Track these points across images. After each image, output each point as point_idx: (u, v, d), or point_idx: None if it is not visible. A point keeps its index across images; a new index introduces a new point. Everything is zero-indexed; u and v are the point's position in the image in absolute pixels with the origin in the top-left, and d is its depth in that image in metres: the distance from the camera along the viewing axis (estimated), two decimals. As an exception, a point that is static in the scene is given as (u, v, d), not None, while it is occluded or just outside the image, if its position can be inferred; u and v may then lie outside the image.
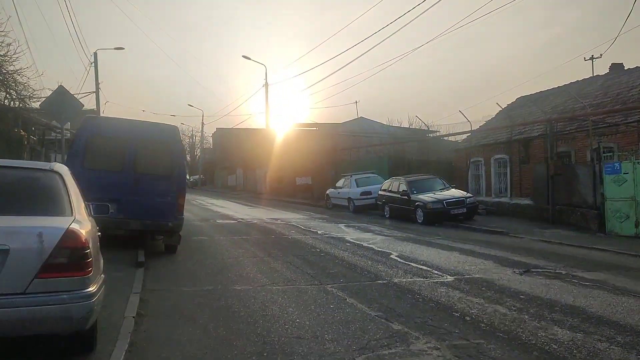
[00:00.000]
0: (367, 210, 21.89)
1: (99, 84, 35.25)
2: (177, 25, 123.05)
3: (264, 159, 43.05)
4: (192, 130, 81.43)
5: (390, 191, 19.57)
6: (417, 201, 17.41)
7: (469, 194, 18.12)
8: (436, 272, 8.45)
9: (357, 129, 45.05)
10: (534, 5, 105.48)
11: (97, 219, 5.15)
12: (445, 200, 16.92)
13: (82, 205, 4.36)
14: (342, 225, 16.22)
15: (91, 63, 34.75)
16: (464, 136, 27.61)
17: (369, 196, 21.81)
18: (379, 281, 7.73)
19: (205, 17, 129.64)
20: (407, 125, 31.91)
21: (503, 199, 19.53)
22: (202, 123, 65.56)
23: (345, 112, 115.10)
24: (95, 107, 35.64)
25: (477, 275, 8.16)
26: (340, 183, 24.31)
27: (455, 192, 18.10)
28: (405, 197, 18.09)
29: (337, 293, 6.86)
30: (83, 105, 15.18)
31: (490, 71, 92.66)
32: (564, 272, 8.50)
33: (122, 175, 9.18)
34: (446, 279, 7.90)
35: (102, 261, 4.46)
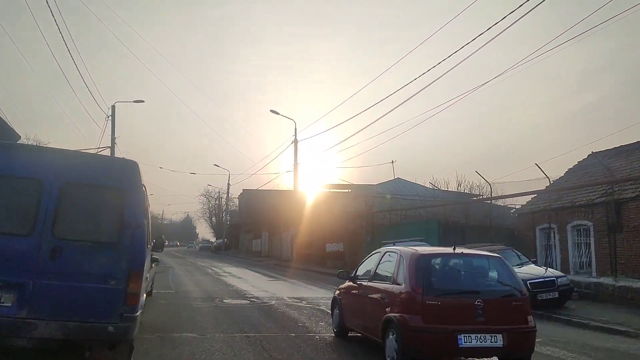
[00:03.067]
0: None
1: (115, 138, 32.67)
2: (202, 79, 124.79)
3: (291, 222, 39.21)
4: (219, 192, 78.76)
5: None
6: (489, 280, 13.00)
7: (559, 272, 13.66)
8: None
9: (394, 191, 41.11)
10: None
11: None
12: (529, 280, 12.50)
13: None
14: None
15: (108, 116, 32.35)
16: (523, 199, 23.37)
17: (417, 270, 17.44)
18: None
19: (231, 70, 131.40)
20: (454, 188, 27.59)
21: (601, 279, 14.85)
22: (228, 184, 62.29)
23: (381, 173, 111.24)
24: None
25: None
26: (380, 252, 20.03)
27: (536, 269, 13.70)
28: (471, 274, 13.70)
29: None
30: (19, 137, 11.85)
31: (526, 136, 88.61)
32: None
33: (30, 242, 5.40)
34: None
35: None
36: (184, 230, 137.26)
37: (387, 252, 8.06)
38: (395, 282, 7.04)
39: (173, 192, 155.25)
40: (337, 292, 9.66)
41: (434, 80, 24.21)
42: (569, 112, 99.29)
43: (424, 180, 47.60)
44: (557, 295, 12.44)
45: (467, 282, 7.20)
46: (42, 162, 5.64)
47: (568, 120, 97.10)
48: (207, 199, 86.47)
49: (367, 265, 8.63)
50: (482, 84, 44.60)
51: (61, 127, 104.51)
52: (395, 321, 6.52)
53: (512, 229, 23.11)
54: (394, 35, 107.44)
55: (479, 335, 6.25)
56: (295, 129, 36.61)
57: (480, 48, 17.61)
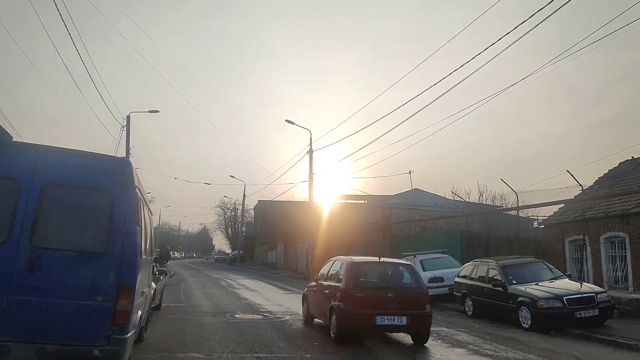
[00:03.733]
0: (438, 302, 16.48)
1: (129, 148, 32.31)
2: (218, 92, 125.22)
3: (306, 233, 38.35)
4: (235, 203, 78.27)
5: (474, 278, 14.27)
6: (521, 295, 12.03)
7: (598, 288, 12.58)
8: None
9: (411, 202, 40.09)
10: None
11: None
12: (565, 296, 11.50)
13: None
14: (413, 332, 10.93)
15: (123, 127, 32.01)
16: (547, 211, 22.20)
17: (440, 283, 16.51)
18: None
19: (247, 84, 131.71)
20: (475, 198, 26.48)
21: (630, 294, 13.73)
22: (244, 195, 61.66)
23: (398, 183, 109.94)
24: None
25: None
26: (400, 265, 19.08)
27: (572, 284, 12.65)
28: (500, 289, 12.76)
29: None
30: (12, 138, 11.22)
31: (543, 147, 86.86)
32: None
33: (4, 252, 4.69)
34: None
35: None
36: (201, 241, 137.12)
37: (336, 260, 11.01)
38: (338, 281, 9.94)
39: (189, 204, 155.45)
40: (306, 290, 12.46)
41: (450, 89, 23.41)
42: (588, 123, 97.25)
43: (443, 191, 46.43)
44: (597, 313, 11.37)
45: (383, 281, 10.04)
46: (20, 160, 4.94)
47: (590, 129, 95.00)
48: (223, 210, 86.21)
49: (324, 269, 11.64)
50: (495, 94, 43.50)
51: (76, 137, 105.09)
52: (336, 307, 9.44)
53: (538, 241, 21.98)
54: (411, 48, 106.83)
55: (389, 317, 9.06)
56: (311, 138, 35.94)
57: (496, 56, 16.80)
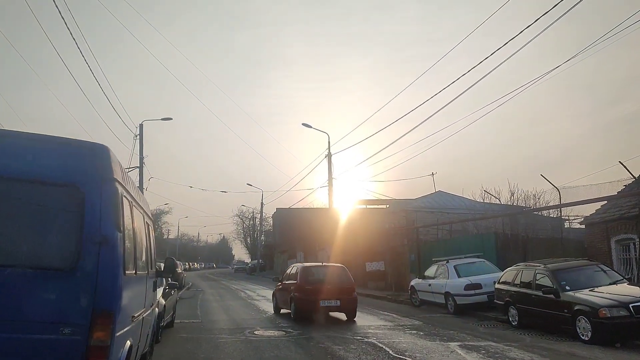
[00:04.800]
0: (476, 311, 15.05)
1: (143, 158, 31.45)
2: (233, 99, 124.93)
3: (326, 240, 37.08)
4: (253, 212, 77.22)
5: (518, 285, 12.80)
6: (578, 303, 10.56)
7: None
8: None
9: (435, 205, 38.53)
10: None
11: None
12: (632, 303, 10.00)
13: None
14: (457, 349, 9.56)
15: (136, 135, 31.18)
16: (588, 209, 20.51)
17: (477, 290, 15.05)
18: None
19: (262, 92, 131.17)
20: (506, 199, 24.83)
21: None
22: (262, 203, 60.40)
23: (419, 186, 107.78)
24: (138, 183, 31.74)
25: None
26: (431, 271, 17.66)
27: (633, 289, 11.13)
28: (551, 297, 11.28)
29: None
30: None
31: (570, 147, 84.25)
32: None
33: None
34: None
35: None
36: (220, 251, 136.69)
37: (293, 265, 16.03)
38: (295, 280, 14.47)
39: (207, 214, 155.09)
40: (275, 289, 16.83)
41: (467, 89, 21.98)
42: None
43: (470, 193, 44.79)
44: (669, 322, 9.84)
45: (324, 277, 14.35)
46: None
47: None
48: (242, 219, 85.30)
49: (286, 273, 16.10)
50: (517, 89, 41.81)
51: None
52: (293, 297, 13.94)
53: (578, 242, 20.34)
54: (425, 52, 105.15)
55: (328, 301, 13.60)
56: (329, 142, 34.69)
57: (515, 53, 15.71)
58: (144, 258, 5.55)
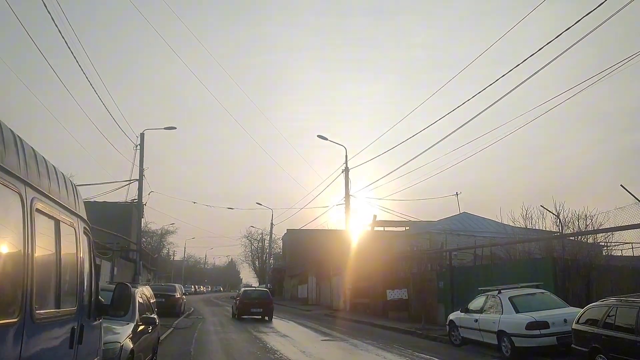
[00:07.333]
0: (541, 357, 11.83)
1: (143, 170, 28.68)
2: (244, 123, 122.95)
3: (342, 264, 33.86)
4: (262, 233, 74.03)
5: (611, 326, 9.60)
6: None
7: None
8: None
9: (460, 227, 35.26)
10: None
11: None
12: None
13: None
14: None
15: (136, 145, 28.50)
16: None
17: (543, 330, 11.81)
18: None
19: (273, 116, 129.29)
20: (541, 223, 21.50)
21: None
22: (271, 223, 57.15)
23: (443, 207, 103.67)
24: (137, 197, 28.97)
25: None
26: (477, 304, 14.46)
27: None
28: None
29: None
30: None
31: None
32: None
33: None
34: None
35: None
36: (228, 275, 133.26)
37: (243, 288, 33.83)
38: (239, 296, 27.75)
39: (214, 234, 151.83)
40: (234, 300, 28.49)
41: (486, 109, 19.18)
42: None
43: (495, 215, 41.60)
44: None
45: (254, 295, 27.21)
46: None
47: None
48: (250, 241, 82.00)
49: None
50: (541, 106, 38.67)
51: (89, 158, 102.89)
52: (236, 305, 26.83)
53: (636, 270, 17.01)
54: (439, 76, 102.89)
55: (255, 309, 25.79)
56: (346, 155, 31.88)
57: (533, 75, 13.78)
58: (67, 286, 2.76)
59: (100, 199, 31.75)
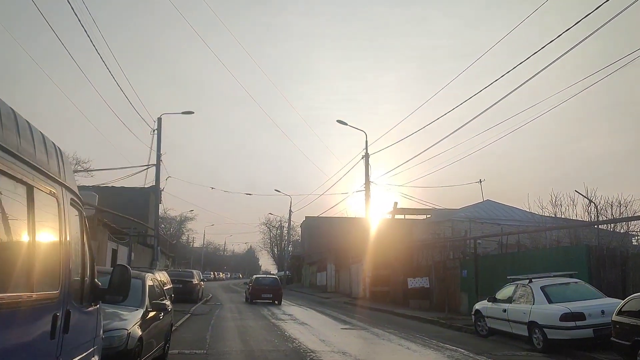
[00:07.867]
0: (576, 349, 11.10)
1: (160, 155, 28.34)
2: (264, 114, 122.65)
3: (361, 252, 33.22)
4: (280, 220, 73.77)
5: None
6: None
7: None
8: None
9: (484, 215, 34.37)
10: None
11: None
12: None
13: None
14: None
15: (153, 130, 28.14)
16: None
17: (579, 322, 11.06)
18: None
19: (293, 106, 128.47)
20: (572, 211, 20.62)
21: None
22: (290, 211, 56.67)
23: (465, 195, 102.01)
24: (154, 182, 28.71)
25: None
26: (506, 293, 13.74)
27: None
28: None
29: None
30: None
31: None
32: None
33: None
34: None
35: None
36: (247, 262, 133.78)
37: (256, 277, 31.83)
38: (251, 282, 30.62)
39: (234, 221, 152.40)
40: (247, 286, 31.92)
41: (505, 96, 18.20)
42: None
43: (521, 203, 40.34)
44: None
45: (266, 282, 29.91)
46: None
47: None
48: (269, 228, 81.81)
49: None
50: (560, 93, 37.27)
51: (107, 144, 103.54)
52: (249, 290, 29.32)
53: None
54: (459, 65, 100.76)
55: (266, 294, 28.13)
56: (366, 141, 31.09)
57: (554, 61, 12.67)
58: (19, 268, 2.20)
59: (117, 184, 31.73)
